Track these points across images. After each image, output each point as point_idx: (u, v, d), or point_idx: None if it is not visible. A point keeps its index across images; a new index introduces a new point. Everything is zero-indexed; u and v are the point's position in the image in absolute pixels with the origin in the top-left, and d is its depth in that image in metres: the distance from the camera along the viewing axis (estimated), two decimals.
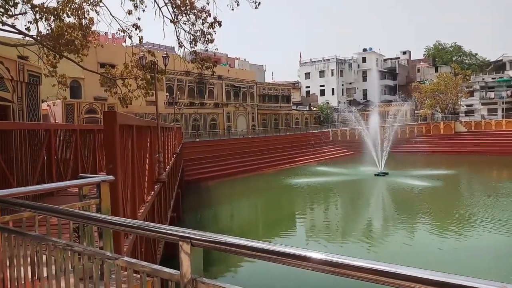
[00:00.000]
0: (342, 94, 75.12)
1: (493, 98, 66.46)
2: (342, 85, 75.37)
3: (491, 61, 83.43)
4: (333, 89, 74.09)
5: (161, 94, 38.56)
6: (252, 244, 1.56)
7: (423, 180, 30.46)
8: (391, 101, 69.25)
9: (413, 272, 1.17)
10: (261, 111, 58.54)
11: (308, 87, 77.19)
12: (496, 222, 18.44)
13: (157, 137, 12.34)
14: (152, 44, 50.49)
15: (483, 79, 69.32)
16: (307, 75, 77.26)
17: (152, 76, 17.01)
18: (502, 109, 64.29)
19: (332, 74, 74.15)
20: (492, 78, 69.14)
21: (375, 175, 34.00)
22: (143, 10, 15.27)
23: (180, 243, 1.73)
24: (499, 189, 27.44)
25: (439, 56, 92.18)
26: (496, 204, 22.52)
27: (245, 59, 74.10)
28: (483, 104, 66.61)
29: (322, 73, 75.26)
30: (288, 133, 55.86)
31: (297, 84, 79.17)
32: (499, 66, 74.90)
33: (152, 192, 9.70)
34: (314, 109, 70.37)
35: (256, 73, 65.36)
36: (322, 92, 75.13)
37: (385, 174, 34.01)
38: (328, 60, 74.73)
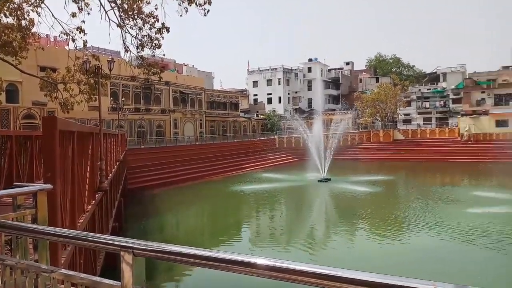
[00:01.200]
0: (289, 103, 76.82)
1: (428, 108, 71.01)
2: (289, 93, 77.12)
3: (426, 73, 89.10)
4: (280, 97, 75.62)
5: (105, 99, 37.43)
6: (196, 252, 1.55)
7: (363, 186, 31.86)
8: (334, 110, 71.77)
9: (353, 274, 1.24)
10: (209, 118, 58.43)
11: (256, 95, 78.21)
12: (428, 225, 19.66)
13: (99, 143, 12.04)
14: (97, 48, 48.86)
15: (419, 89, 73.87)
16: (255, 83, 78.31)
17: (96, 80, 16.55)
18: (436, 118, 68.82)
19: (279, 83, 75.73)
20: (428, 89, 73.86)
21: (319, 181, 35.06)
22: (88, 13, 14.83)
23: (122, 253, 1.69)
24: (431, 193, 29.25)
25: (380, 67, 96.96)
26: (428, 207, 23.97)
27: (193, 65, 73.73)
28: (419, 113, 70.92)
29: (269, 82, 76.63)
30: (235, 140, 56.13)
31: (245, 92, 79.90)
32: (434, 78, 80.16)
33: (93, 201, 9.48)
34: (262, 116, 71.34)
35: (205, 80, 65.21)
36: (269, 100, 76.42)
37: (327, 180, 35.14)
38: (275, 69, 76.27)
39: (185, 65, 70.94)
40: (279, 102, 75.46)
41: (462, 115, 59.98)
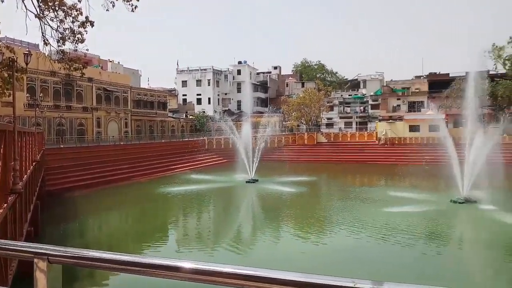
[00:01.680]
0: (218, 104, 76.97)
1: (349, 113, 75.14)
2: (218, 95, 77.29)
3: (348, 79, 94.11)
4: (209, 98, 75.50)
5: (20, 95, 34.85)
6: (118, 258, 1.48)
7: (289, 186, 32.92)
8: (262, 112, 73.18)
9: (275, 274, 1.26)
10: (135, 117, 56.65)
11: (185, 95, 77.33)
12: (347, 224, 20.82)
13: (13, 142, 11.24)
14: (12, 39, 45.32)
15: (341, 95, 77.86)
16: (184, 83, 77.39)
17: (10, 74, 15.40)
18: (356, 122, 73.03)
19: (209, 84, 75.61)
20: (349, 95, 78.09)
21: (246, 182, 35.60)
22: (2, 1, 13.76)
23: (36, 260, 1.58)
24: (351, 193, 31.02)
25: (305, 72, 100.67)
26: (348, 207, 25.36)
27: (119, 62, 70.98)
28: (341, 117, 74.78)
29: (199, 82, 76.19)
30: (163, 141, 54.99)
31: (174, 92, 78.62)
32: (355, 84, 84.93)
33: (5, 205, 8.85)
34: (191, 117, 70.68)
35: (131, 77, 63.13)
36: (199, 101, 75.98)
37: (255, 181, 35.80)
38: (205, 70, 76.04)
39: (110, 61, 68.11)
40: (209, 103, 75.32)
41: (380, 120, 64.23)
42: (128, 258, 1.48)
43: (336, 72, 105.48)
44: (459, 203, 24.24)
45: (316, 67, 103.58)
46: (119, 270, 1.51)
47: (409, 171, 42.11)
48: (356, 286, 1.12)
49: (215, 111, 74.37)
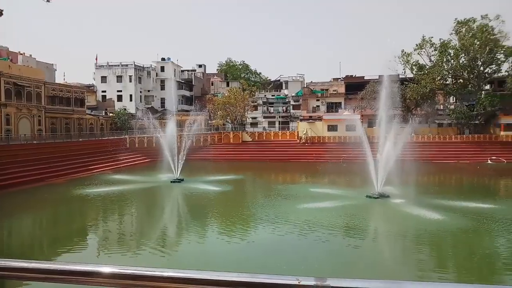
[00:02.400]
0: (140, 101, 74.60)
1: (273, 113, 77.20)
2: (141, 92, 74.89)
3: (271, 80, 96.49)
4: (131, 95, 72.86)
5: None
6: (29, 266, 1.35)
7: (215, 185, 33.07)
8: (187, 110, 72.40)
9: (219, 276, 1.23)
10: (49, 114, 52.93)
11: (105, 91, 73.82)
12: (271, 220, 21.47)
13: None
14: None
15: (265, 95, 79.68)
16: (104, 79, 73.84)
17: None
18: (279, 122, 75.26)
19: (130, 80, 72.93)
20: (272, 95, 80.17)
21: (171, 181, 35.08)
22: None
23: None
24: (274, 190, 31.95)
25: (230, 72, 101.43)
26: (271, 204, 26.10)
27: (31, 55, 65.76)
28: (264, 117, 76.59)
29: (119, 78, 73.18)
30: (81, 140, 52.07)
31: (92, 88, 74.72)
32: (278, 85, 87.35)
33: None
34: (111, 114, 67.68)
35: (45, 72, 58.84)
36: (120, 98, 73.00)
37: (180, 180, 35.41)
38: (127, 65, 73.22)
39: (21, 54, 62.85)
40: (131, 100, 72.67)
41: (301, 120, 66.82)
42: (41, 266, 1.34)
43: (260, 73, 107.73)
44: (374, 198, 26.17)
45: (240, 67, 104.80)
46: (31, 279, 1.36)
47: (328, 169, 44.42)
48: (300, 283, 1.15)
49: (137, 109, 72.02)
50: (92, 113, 64.77)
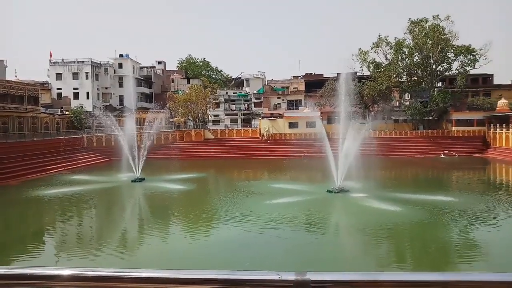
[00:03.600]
0: (98, 99, 72.41)
1: (235, 110, 77.24)
2: (98, 89, 72.66)
3: (232, 77, 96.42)
4: (88, 92, 70.56)
5: None
6: None
7: (177, 184, 32.72)
8: (147, 108, 71.06)
9: (197, 274, 1.23)
10: (0, 112, 50.33)
11: (60, 89, 71.02)
12: (235, 217, 21.59)
13: None
14: None
15: (226, 93, 79.54)
16: (59, 76, 71.03)
17: None
18: (241, 119, 75.40)
19: (87, 77, 70.59)
20: (234, 93, 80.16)
21: (132, 181, 34.38)
22: None
23: None
24: (238, 187, 32.05)
25: (191, 69, 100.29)
26: (235, 201, 26.22)
27: None
28: (226, 114, 76.50)
29: (76, 75, 70.66)
30: (36, 139, 49.93)
31: (46, 85, 71.73)
32: (239, 82, 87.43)
33: None
34: (67, 113, 65.19)
35: None
36: (76, 96, 70.54)
37: (142, 179, 34.78)
38: (83, 62, 70.79)
39: None
40: (87, 97, 70.36)
41: (263, 117, 67.21)
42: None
43: (221, 70, 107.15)
44: (335, 192, 26.81)
45: (201, 64, 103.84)
46: None
47: (290, 165, 45.04)
48: (280, 278, 1.17)
49: (94, 107, 69.88)
50: (47, 111, 62.09)
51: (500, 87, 67.48)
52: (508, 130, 52.63)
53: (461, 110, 61.00)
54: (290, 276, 1.16)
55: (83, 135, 56.76)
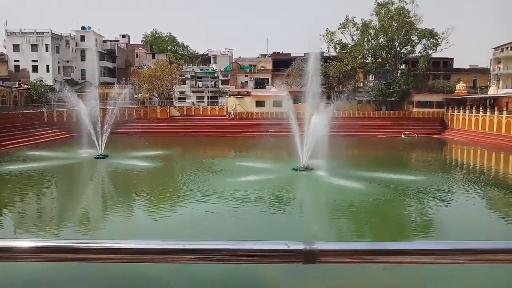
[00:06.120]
0: (59, 73, 69.52)
1: (201, 87, 76.34)
2: (59, 62, 69.65)
3: (199, 54, 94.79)
4: (48, 65, 67.49)
5: None
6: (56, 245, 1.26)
7: (143, 161, 32.35)
8: (110, 83, 69.06)
9: (207, 245, 1.23)
10: None
11: (18, 61, 67.48)
12: (201, 194, 21.73)
13: None
14: None
15: (193, 69, 78.28)
16: (16, 48, 67.36)
17: None
18: (208, 97, 74.69)
19: (47, 50, 67.38)
20: (200, 69, 79.01)
21: (95, 157, 33.69)
22: None
23: None
24: (204, 165, 32.10)
25: (156, 44, 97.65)
26: (201, 178, 26.22)
27: None
28: (193, 91, 75.51)
29: (35, 47, 67.29)
30: None
31: (3, 57, 68.08)
32: (206, 59, 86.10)
33: None
34: (26, 86, 62.36)
35: None
36: (35, 68, 67.37)
37: (105, 156, 34.13)
38: (42, 33, 67.35)
39: None
40: (48, 71, 67.35)
41: (230, 95, 66.88)
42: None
43: (187, 46, 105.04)
44: (300, 170, 27.40)
45: (167, 39, 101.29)
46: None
47: (257, 143, 45.34)
48: (289, 248, 1.20)
49: (55, 80, 67.17)
50: (3, 84, 59.21)
51: (459, 71, 70.12)
52: (465, 113, 55.05)
53: (422, 92, 63.02)
54: (299, 246, 1.20)
55: (43, 110, 54.72)
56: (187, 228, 16.38)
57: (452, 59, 72.30)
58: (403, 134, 56.32)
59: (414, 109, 62.20)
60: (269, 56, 78.95)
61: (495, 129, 48.52)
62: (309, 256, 1.19)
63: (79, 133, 40.55)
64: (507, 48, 67.39)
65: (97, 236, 15.51)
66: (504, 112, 47.91)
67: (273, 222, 17.46)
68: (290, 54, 72.77)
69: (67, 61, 71.30)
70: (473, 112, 53.26)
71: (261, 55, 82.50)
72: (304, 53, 61.80)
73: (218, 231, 15.82)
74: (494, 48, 70.48)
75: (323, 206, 20.44)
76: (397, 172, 27.90)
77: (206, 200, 20.56)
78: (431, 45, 61.23)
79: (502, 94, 56.44)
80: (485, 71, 71.78)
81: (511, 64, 65.90)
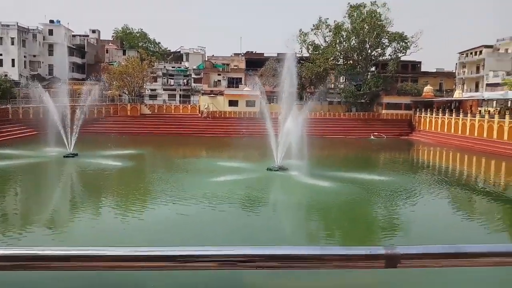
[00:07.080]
0: (25, 67, 67.09)
1: (173, 85, 75.46)
2: (25, 57, 67.19)
3: (171, 51, 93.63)
4: (13, 60, 64.96)
5: None
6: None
7: (113, 160, 31.62)
8: (79, 79, 67.32)
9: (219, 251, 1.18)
10: None
11: None
12: (174, 194, 21.48)
13: None
14: None
15: (164, 67, 77.32)
16: None
17: None
18: (180, 95, 73.93)
19: (13, 43, 64.83)
20: (172, 67, 78.15)
21: (64, 156, 32.75)
22: None
23: None
24: (177, 165, 31.81)
25: (127, 40, 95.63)
26: (174, 178, 25.93)
27: None
28: (164, 89, 74.56)
29: (0, 40, 64.76)
30: None
31: None
32: (178, 56, 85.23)
33: None
34: None
35: None
36: (0, 63, 64.84)
37: (74, 155, 33.24)
38: (8, 26, 64.73)
39: None
40: (13, 65, 64.81)
41: (202, 94, 66.49)
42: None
43: (159, 43, 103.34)
44: (274, 170, 27.57)
45: (138, 35, 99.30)
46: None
47: (230, 143, 45.33)
48: (371, 253, 1.21)
49: (21, 75, 64.77)
50: None
51: (426, 74, 72.33)
52: (432, 115, 56.84)
53: (391, 94, 64.57)
54: (380, 251, 1.21)
55: (8, 106, 52.63)
56: (156, 231, 15.99)
57: (420, 62, 74.49)
58: (372, 135, 57.56)
59: (383, 111, 63.66)
60: (243, 56, 78.93)
61: (460, 131, 50.34)
62: (391, 261, 1.20)
63: (46, 130, 39.21)
64: (471, 53, 70.09)
65: (65, 241, 15.02)
66: (469, 115, 49.77)
67: (246, 223, 17.51)
68: (263, 54, 73.00)
69: (34, 56, 68.94)
70: (440, 114, 55.06)
71: (235, 54, 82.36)
72: (278, 54, 62.29)
73: (190, 234, 15.70)
74: (460, 53, 73.13)
75: (295, 206, 20.62)
76: (366, 172, 28.59)
77: (178, 201, 20.29)
78: (401, 48, 62.83)
79: (467, 97, 58.69)
80: (450, 75, 74.39)
81: (475, 69, 68.56)
